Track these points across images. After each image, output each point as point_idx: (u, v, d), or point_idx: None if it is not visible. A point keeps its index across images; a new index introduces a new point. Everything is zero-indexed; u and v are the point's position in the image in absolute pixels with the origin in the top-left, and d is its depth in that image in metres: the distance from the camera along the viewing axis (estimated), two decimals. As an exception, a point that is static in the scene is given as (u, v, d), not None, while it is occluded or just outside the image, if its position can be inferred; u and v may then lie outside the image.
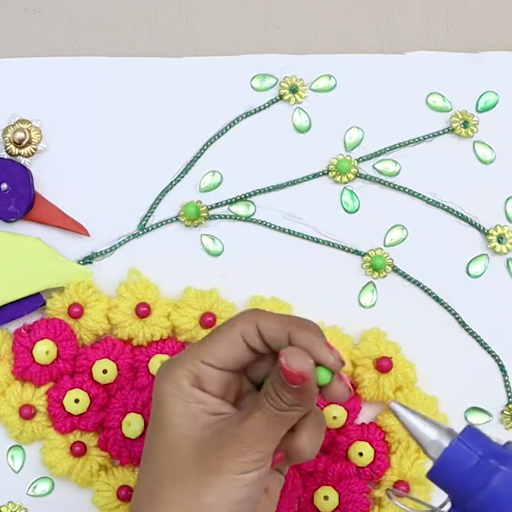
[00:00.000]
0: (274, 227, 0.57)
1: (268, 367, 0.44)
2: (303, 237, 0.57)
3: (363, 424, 0.54)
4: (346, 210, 0.57)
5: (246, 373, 0.45)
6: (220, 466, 0.40)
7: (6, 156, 0.57)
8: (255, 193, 0.57)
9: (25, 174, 0.56)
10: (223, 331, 0.43)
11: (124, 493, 0.53)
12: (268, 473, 0.42)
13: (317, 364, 0.41)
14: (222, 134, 0.57)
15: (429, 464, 0.53)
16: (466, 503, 0.40)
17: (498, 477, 0.39)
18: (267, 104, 0.58)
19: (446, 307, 0.56)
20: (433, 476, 0.41)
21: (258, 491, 0.42)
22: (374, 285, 0.56)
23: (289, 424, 0.42)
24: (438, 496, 0.53)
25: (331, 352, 0.41)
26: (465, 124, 0.57)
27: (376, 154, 0.57)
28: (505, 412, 0.55)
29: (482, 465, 0.40)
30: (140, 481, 0.43)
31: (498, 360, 0.55)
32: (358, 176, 0.57)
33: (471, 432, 0.41)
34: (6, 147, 0.57)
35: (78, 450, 0.54)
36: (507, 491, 0.39)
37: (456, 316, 0.56)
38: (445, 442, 0.41)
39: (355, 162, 0.57)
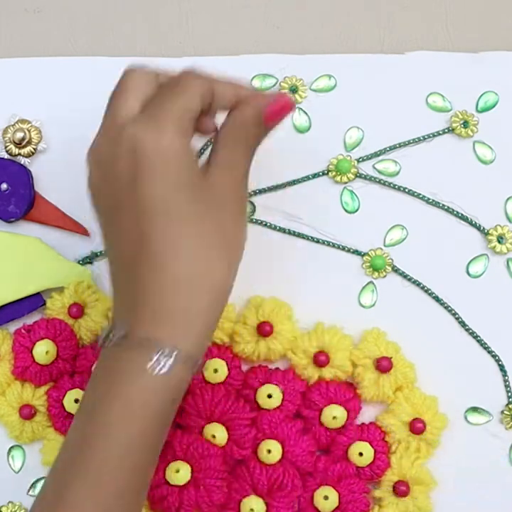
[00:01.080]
0: (274, 227, 0.57)
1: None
2: (303, 237, 0.57)
3: (363, 424, 0.54)
4: (346, 210, 0.57)
5: None
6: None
7: (6, 156, 0.57)
8: (255, 193, 0.57)
9: (25, 174, 0.56)
10: (185, 85, 0.44)
11: (124, 493, 0.53)
12: None
13: None
14: (222, 134, 0.57)
15: (430, 464, 0.53)
16: None
17: None
18: (266, 104, 0.58)
19: (446, 307, 0.56)
20: None
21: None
22: (374, 285, 0.56)
23: (255, 143, 0.46)
24: (437, 496, 0.53)
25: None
26: (465, 124, 0.57)
27: (376, 154, 0.57)
28: (505, 412, 0.55)
29: None
30: (148, 237, 0.42)
31: (498, 360, 0.55)
32: (358, 176, 0.57)
33: None
34: (6, 147, 0.57)
35: (78, 450, 0.54)
36: None
37: (456, 316, 0.56)
38: None
39: (355, 162, 0.57)
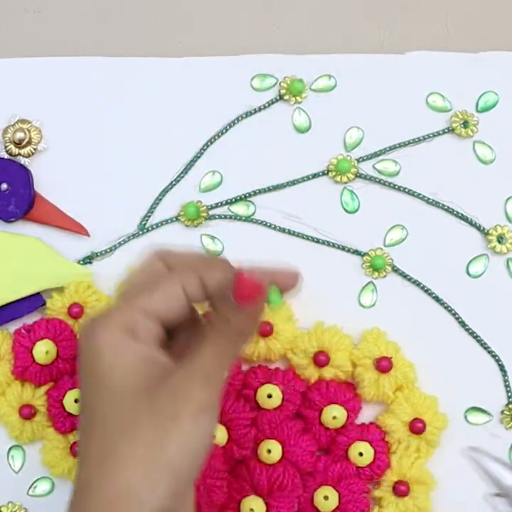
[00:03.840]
0: (274, 227, 0.57)
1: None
2: (303, 237, 0.57)
3: (363, 424, 0.54)
4: (346, 210, 0.57)
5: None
6: (177, 412, 0.37)
7: (6, 156, 0.57)
8: (255, 193, 0.57)
9: (25, 174, 0.56)
10: (162, 283, 0.40)
11: (124, 493, 0.53)
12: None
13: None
14: (222, 134, 0.57)
15: (430, 464, 0.53)
16: None
17: None
18: (266, 104, 0.58)
19: (446, 307, 0.56)
20: None
21: (212, 437, 0.39)
22: (374, 285, 0.56)
23: (234, 358, 0.41)
24: (437, 496, 0.53)
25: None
26: (465, 124, 0.57)
27: (376, 154, 0.57)
28: (505, 412, 0.55)
29: None
30: (84, 451, 0.38)
31: (498, 360, 0.55)
32: (358, 176, 0.57)
33: None
34: (6, 147, 0.57)
35: (78, 450, 0.54)
36: None
37: (456, 316, 0.56)
38: None
39: (355, 162, 0.57)
